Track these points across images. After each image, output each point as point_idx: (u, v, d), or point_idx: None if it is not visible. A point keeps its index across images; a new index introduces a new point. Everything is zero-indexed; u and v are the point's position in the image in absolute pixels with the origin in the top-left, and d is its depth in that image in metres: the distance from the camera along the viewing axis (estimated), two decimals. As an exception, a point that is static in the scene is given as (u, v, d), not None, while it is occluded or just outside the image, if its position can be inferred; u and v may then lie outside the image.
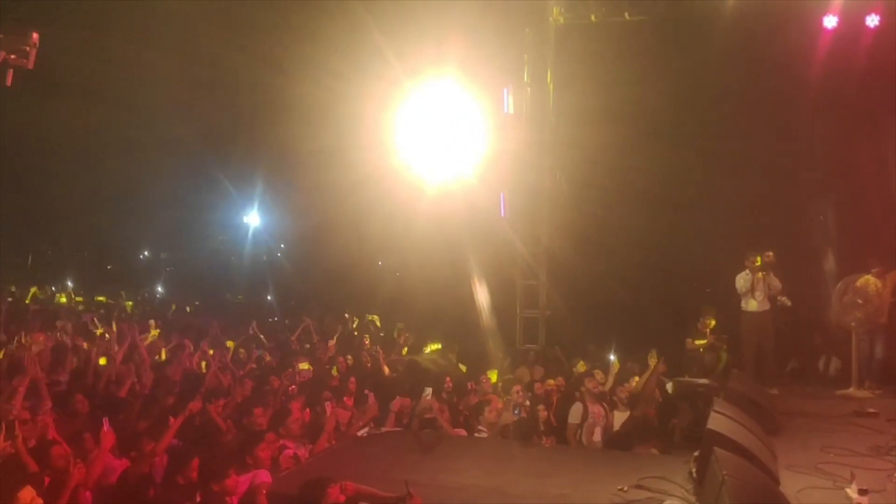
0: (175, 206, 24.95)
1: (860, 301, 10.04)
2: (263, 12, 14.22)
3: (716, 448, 5.19)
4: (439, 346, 11.83)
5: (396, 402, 7.74)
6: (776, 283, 10.18)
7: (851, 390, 9.96)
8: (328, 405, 7.15)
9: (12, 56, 5.87)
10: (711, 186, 12.50)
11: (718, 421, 6.07)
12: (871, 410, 8.67)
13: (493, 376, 9.70)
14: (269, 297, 21.45)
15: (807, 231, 12.01)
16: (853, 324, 10.05)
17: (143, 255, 35.82)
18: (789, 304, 10.20)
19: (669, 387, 8.88)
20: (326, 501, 4.73)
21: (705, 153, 12.30)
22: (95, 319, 13.15)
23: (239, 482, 5.01)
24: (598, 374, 9.28)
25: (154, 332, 11.41)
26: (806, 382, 10.60)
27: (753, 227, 12.05)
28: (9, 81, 5.99)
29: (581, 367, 10.50)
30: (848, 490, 5.75)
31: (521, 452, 6.51)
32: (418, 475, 5.85)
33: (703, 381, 7.63)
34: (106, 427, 5.76)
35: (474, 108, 12.21)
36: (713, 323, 10.78)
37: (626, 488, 5.72)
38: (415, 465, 6.37)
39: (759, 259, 10.31)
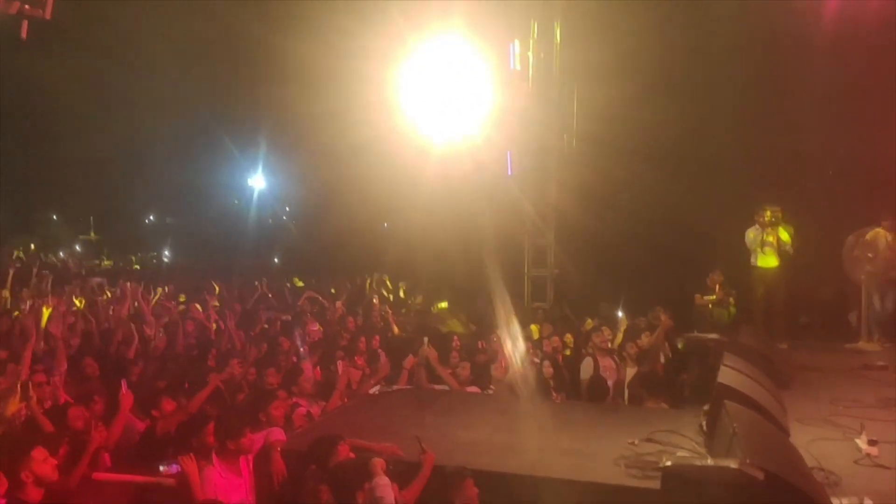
0: (180, 169, 24.95)
1: (870, 255, 10.00)
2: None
3: (726, 401, 5.20)
4: (446, 304, 11.87)
5: (409, 361, 7.76)
6: (786, 238, 10.12)
7: (861, 344, 9.98)
8: (340, 364, 7.19)
9: (27, 6, 5.46)
10: (722, 141, 12.36)
11: (728, 375, 6.07)
12: (881, 363, 8.70)
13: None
14: (275, 260, 21.52)
15: (819, 186, 11.85)
16: (863, 277, 10.04)
17: (150, 219, 35.93)
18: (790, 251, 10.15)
19: (679, 343, 8.89)
20: (336, 457, 4.81)
21: (716, 107, 12.15)
22: (104, 283, 13.21)
23: (254, 440, 5.05)
24: (606, 331, 9.30)
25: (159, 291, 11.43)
26: (816, 337, 10.57)
27: (765, 181, 11.91)
28: (24, 34, 5.58)
29: (589, 324, 10.53)
30: (857, 441, 5.79)
31: (531, 408, 6.54)
32: (430, 431, 5.89)
33: (713, 335, 7.61)
34: (124, 388, 5.81)
35: (480, 64, 12.01)
36: (722, 279, 10.75)
37: (636, 442, 5.75)
38: (426, 421, 6.41)
39: (768, 213, 10.23)
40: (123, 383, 5.89)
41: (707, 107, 12.11)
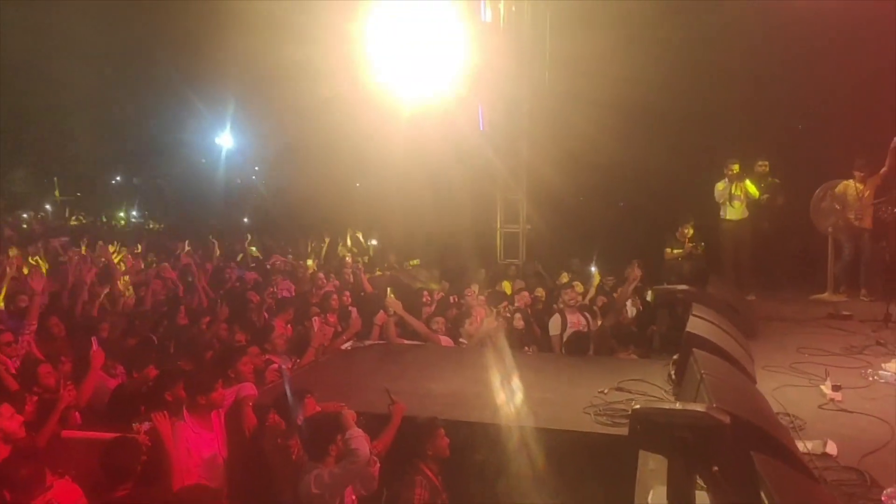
0: (146, 128, 24.40)
1: (837, 206, 10.13)
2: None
3: (694, 350, 5.25)
4: (417, 261, 11.84)
5: (380, 316, 7.76)
6: (753, 191, 10.20)
7: (826, 295, 10.15)
8: (315, 320, 7.16)
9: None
10: (695, 95, 12.31)
11: (697, 324, 6.12)
12: (846, 313, 8.87)
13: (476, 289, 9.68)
14: (244, 220, 21.25)
15: (789, 139, 11.90)
16: (830, 229, 10.17)
17: (116, 179, 35.17)
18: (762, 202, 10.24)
19: (649, 295, 8.97)
20: (304, 411, 4.82)
21: (689, 61, 12.07)
22: (67, 243, 12.96)
23: (224, 395, 5.01)
24: (578, 286, 9.35)
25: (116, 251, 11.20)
26: (783, 288, 10.73)
27: (737, 135, 11.96)
28: None
29: (564, 278, 10.59)
30: (822, 387, 5.91)
31: (502, 360, 6.56)
32: (402, 384, 5.91)
33: (682, 287, 7.67)
34: (95, 346, 5.73)
35: (451, 16, 11.78)
36: (691, 232, 10.83)
37: (605, 391, 5.82)
38: (398, 374, 6.43)
39: (736, 166, 10.31)
40: (94, 341, 5.81)
41: (680, 61, 12.03)
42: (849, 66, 10.49)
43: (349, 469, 4.36)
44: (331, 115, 14.19)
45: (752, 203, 10.27)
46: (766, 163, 10.56)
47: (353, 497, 4.62)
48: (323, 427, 4.55)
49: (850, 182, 9.93)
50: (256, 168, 25.84)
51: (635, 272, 9.02)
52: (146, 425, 4.49)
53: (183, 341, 6.84)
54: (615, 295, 9.11)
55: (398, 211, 13.75)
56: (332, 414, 4.64)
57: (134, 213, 27.10)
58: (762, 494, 3.05)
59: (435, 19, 11.71)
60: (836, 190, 10.03)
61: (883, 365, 6.54)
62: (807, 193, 10.35)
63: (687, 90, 12.27)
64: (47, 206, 27.06)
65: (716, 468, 3.38)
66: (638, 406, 3.84)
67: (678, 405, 4.28)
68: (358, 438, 4.38)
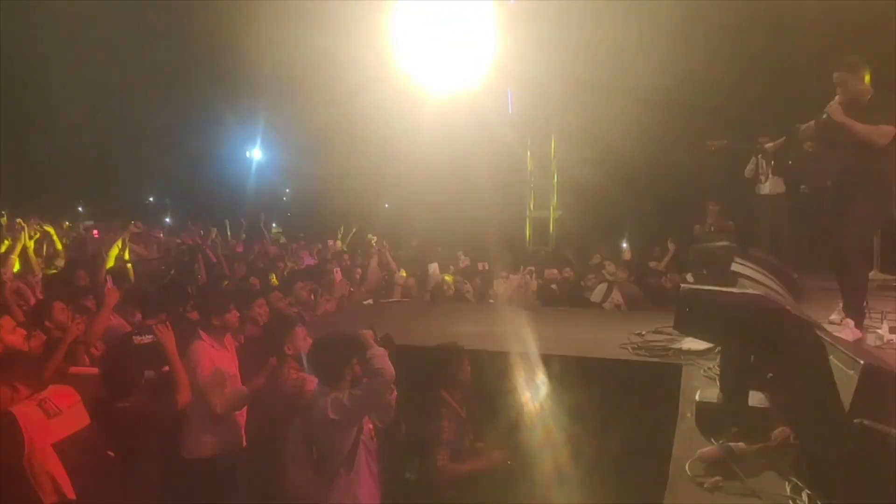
0: (177, 147, 24.42)
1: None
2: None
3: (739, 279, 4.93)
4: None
5: (400, 278, 7.51)
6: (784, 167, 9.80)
7: (874, 274, 9.67)
8: (336, 271, 6.95)
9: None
10: (720, 84, 12.04)
11: (740, 268, 5.79)
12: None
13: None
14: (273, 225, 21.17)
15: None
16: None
17: (150, 200, 35.51)
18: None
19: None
20: (293, 340, 4.59)
21: (716, 51, 11.82)
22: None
23: (237, 317, 4.79)
24: (609, 265, 9.08)
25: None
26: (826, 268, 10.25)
27: (760, 122, 11.61)
28: None
29: (596, 259, 10.29)
30: (879, 330, 5.53)
31: (537, 313, 6.26)
32: (426, 327, 5.64)
33: (722, 243, 7.28)
34: (109, 284, 5.55)
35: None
36: (718, 207, 10.50)
37: (643, 332, 5.51)
38: (421, 322, 6.16)
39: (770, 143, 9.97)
40: (109, 279, 5.63)
41: (709, 52, 11.79)
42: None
43: (373, 390, 3.99)
44: (358, 107, 14.07)
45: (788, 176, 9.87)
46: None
47: (371, 425, 4.29)
48: (336, 348, 4.21)
49: None
50: (287, 191, 25.74)
51: (672, 247, 8.74)
52: (149, 338, 4.22)
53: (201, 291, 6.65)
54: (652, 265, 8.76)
55: (424, 199, 13.52)
56: (346, 334, 4.34)
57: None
58: (832, 359, 2.71)
59: (463, 2, 11.63)
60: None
61: (942, 321, 6.13)
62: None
63: (713, 79, 11.99)
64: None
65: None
66: (688, 286, 3.54)
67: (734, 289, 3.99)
68: (381, 357, 4.01)
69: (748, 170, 10.05)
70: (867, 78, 5.45)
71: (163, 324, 4.27)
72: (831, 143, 5.61)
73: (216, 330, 4.70)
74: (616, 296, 7.73)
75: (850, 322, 5.37)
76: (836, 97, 5.44)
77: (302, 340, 4.56)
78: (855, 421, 1.92)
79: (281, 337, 4.56)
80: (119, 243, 7.64)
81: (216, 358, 4.56)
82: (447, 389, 4.57)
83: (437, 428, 4.48)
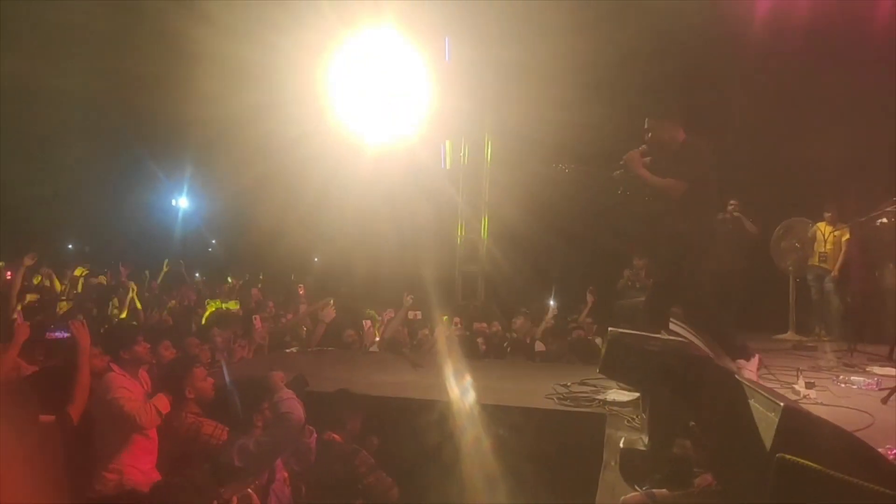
0: (100, 194, 23.59)
1: (797, 245, 10.11)
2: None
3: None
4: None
5: (320, 325, 7.34)
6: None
7: (789, 335, 9.99)
8: (256, 318, 6.74)
9: None
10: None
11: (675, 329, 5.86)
12: (810, 344, 8.70)
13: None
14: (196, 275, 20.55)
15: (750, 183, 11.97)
16: (790, 268, 10.11)
17: (69, 247, 34.14)
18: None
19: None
20: (192, 382, 4.38)
21: (642, 108, 12.23)
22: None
23: (148, 349, 4.58)
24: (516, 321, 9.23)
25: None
26: (744, 328, 10.53)
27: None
28: None
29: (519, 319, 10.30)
30: (795, 386, 5.63)
31: (458, 361, 6.17)
32: (348, 377, 5.47)
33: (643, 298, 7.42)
34: (19, 319, 5.21)
35: (414, 57, 11.87)
36: (642, 263, 10.73)
37: (569, 384, 5.47)
38: (344, 371, 5.99)
39: None
40: (19, 315, 5.28)
41: (634, 108, 12.21)
42: (811, 111, 10.66)
43: (279, 436, 3.81)
44: (292, 156, 13.97)
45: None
46: (736, 202, 10.44)
47: (285, 473, 4.07)
48: (242, 392, 4.10)
49: (821, 224, 9.91)
50: (214, 241, 25.15)
51: (590, 298, 8.90)
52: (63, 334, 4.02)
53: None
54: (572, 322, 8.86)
55: (360, 250, 13.39)
56: (253, 377, 4.18)
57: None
58: (752, 403, 2.71)
59: (399, 61, 11.81)
60: (808, 233, 9.99)
61: (852, 377, 6.31)
62: (768, 232, 10.32)
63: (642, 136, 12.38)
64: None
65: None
66: (616, 330, 3.54)
67: (662, 334, 3.99)
68: (289, 401, 3.85)
69: None
70: (677, 127, 5.18)
71: (80, 322, 4.06)
72: (636, 192, 5.26)
73: (127, 363, 4.47)
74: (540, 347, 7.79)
75: (743, 362, 5.39)
76: (641, 145, 5.16)
77: (201, 382, 4.35)
78: (776, 455, 1.90)
79: (179, 378, 4.33)
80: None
81: (128, 385, 4.31)
82: (339, 433, 4.41)
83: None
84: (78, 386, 4.12)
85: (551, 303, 10.25)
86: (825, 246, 9.85)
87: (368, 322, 8.57)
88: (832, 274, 9.62)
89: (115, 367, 4.43)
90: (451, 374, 5.59)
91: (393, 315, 7.98)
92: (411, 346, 7.54)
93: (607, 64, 12.15)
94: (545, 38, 12.00)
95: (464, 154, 12.40)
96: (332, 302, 7.30)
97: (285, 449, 3.94)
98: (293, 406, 3.83)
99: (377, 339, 7.76)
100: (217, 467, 3.66)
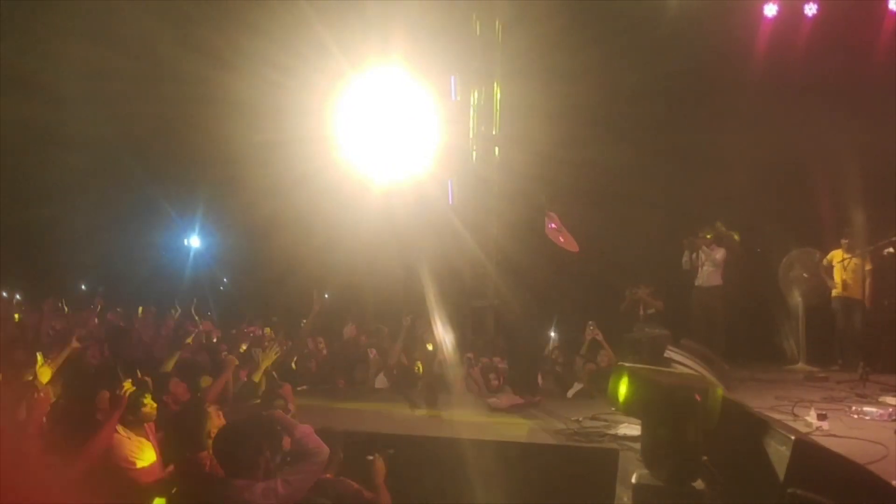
0: (109, 234, 23.73)
1: (805, 275, 10.12)
2: (201, 3, 13.91)
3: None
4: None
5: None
6: (717, 256, 10.12)
7: (800, 365, 9.96)
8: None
9: None
10: (656, 178, 12.56)
11: (672, 355, 5.90)
12: (822, 375, 8.67)
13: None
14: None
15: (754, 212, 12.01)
16: (800, 298, 10.11)
17: (82, 288, 34.22)
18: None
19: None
20: (210, 423, 4.28)
21: (647, 146, 12.40)
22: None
23: (155, 407, 4.61)
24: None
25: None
26: (756, 359, 10.53)
27: (698, 216, 12.07)
28: None
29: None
30: (807, 417, 5.63)
31: (468, 397, 6.21)
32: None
33: (656, 331, 7.44)
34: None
35: (421, 96, 12.04)
36: (649, 290, 10.82)
37: (581, 419, 5.48)
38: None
39: (708, 235, 10.34)
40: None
41: (639, 145, 12.36)
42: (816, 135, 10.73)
43: (310, 472, 3.75)
44: (300, 195, 14.12)
45: (720, 267, 10.19)
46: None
47: None
48: (248, 434, 3.84)
49: (837, 252, 9.93)
50: (225, 280, 25.25)
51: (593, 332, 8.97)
52: None
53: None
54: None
55: (368, 286, 13.45)
56: (258, 416, 4.13)
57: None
58: (765, 438, 2.73)
59: (406, 99, 11.98)
60: (814, 262, 10.02)
61: (864, 408, 6.30)
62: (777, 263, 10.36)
63: (649, 172, 12.50)
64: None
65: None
66: (629, 365, 3.56)
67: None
68: (311, 435, 3.85)
69: (683, 262, 10.39)
70: None
71: None
72: None
73: (133, 423, 4.50)
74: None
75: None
76: None
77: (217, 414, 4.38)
78: (788, 490, 1.93)
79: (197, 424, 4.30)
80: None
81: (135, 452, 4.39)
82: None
83: None
84: None
85: (552, 334, 10.32)
86: (845, 274, 9.84)
87: (374, 351, 8.62)
88: (865, 304, 9.55)
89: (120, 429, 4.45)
90: (463, 409, 5.63)
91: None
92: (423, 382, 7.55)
93: (609, 103, 12.37)
94: (546, 80, 12.22)
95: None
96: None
97: (310, 485, 3.84)
98: (317, 441, 3.82)
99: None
100: None
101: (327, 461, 3.90)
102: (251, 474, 3.71)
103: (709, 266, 10.08)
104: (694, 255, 10.23)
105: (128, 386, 4.40)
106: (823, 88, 10.97)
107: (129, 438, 4.39)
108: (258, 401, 5.78)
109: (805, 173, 11.00)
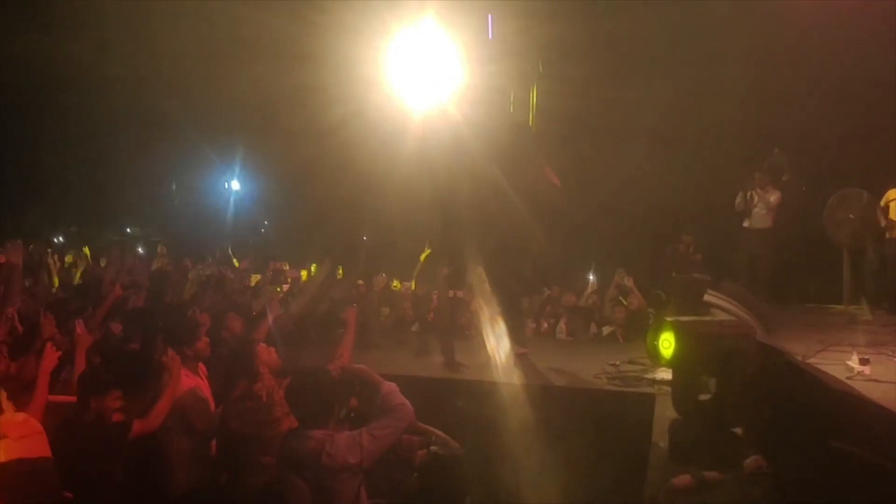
0: (156, 177, 24.05)
1: (851, 216, 9.83)
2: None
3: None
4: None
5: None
6: (771, 199, 9.92)
7: (844, 307, 9.78)
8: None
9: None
10: (699, 116, 12.25)
11: (712, 300, 5.85)
12: (866, 318, 8.52)
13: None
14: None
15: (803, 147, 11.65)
16: (845, 239, 9.85)
17: (128, 230, 34.98)
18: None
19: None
20: (259, 358, 4.50)
21: (691, 83, 12.06)
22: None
23: (208, 344, 4.74)
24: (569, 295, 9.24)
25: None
26: (800, 300, 10.40)
27: (747, 155, 11.79)
28: None
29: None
30: (849, 362, 5.55)
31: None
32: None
33: (696, 275, 7.34)
34: (80, 329, 5.34)
35: (458, 35, 11.82)
36: (690, 239, 10.68)
37: (618, 363, 5.50)
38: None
39: (757, 177, 10.14)
40: (79, 324, 5.39)
41: (682, 79, 12.04)
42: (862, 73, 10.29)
43: (398, 428, 3.71)
44: (340, 138, 14.12)
45: (773, 211, 9.99)
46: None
47: None
48: (326, 387, 3.83)
49: (892, 191, 9.66)
50: (266, 222, 25.56)
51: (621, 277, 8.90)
52: None
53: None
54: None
55: (402, 227, 13.52)
56: (345, 371, 4.20)
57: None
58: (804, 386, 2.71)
59: (442, 37, 11.78)
60: (863, 203, 9.72)
61: (911, 351, 6.19)
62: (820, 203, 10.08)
63: (692, 111, 12.20)
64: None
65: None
66: (682, 319, 3.53)
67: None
68: (396, 393, 3.80)
69: (737, 203, 10.21)
70: None
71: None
72: None
73: (189, 360, 4.64)
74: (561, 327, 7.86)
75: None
76: None
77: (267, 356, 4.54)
78: (827, 443, 1.92)
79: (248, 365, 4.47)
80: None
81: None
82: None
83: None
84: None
85: (591, 277, 10.29)
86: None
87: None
88: None
89: None
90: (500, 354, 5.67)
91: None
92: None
93: (651, 40, 12.02)
94: (586, 17, 11.90)
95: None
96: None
97: (394, 441, 3.79)
98: (402, 398, 3.80)
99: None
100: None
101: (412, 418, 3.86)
102: (326, 424, 3.71)
103: (761, 208, 9.89)
104: (749, 195, 10.03)
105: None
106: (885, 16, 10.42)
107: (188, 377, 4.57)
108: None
109: (864, 109, 10.56)
